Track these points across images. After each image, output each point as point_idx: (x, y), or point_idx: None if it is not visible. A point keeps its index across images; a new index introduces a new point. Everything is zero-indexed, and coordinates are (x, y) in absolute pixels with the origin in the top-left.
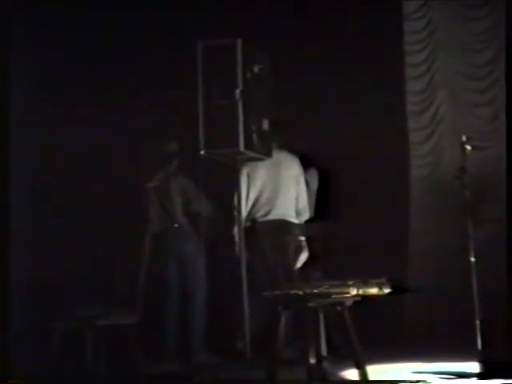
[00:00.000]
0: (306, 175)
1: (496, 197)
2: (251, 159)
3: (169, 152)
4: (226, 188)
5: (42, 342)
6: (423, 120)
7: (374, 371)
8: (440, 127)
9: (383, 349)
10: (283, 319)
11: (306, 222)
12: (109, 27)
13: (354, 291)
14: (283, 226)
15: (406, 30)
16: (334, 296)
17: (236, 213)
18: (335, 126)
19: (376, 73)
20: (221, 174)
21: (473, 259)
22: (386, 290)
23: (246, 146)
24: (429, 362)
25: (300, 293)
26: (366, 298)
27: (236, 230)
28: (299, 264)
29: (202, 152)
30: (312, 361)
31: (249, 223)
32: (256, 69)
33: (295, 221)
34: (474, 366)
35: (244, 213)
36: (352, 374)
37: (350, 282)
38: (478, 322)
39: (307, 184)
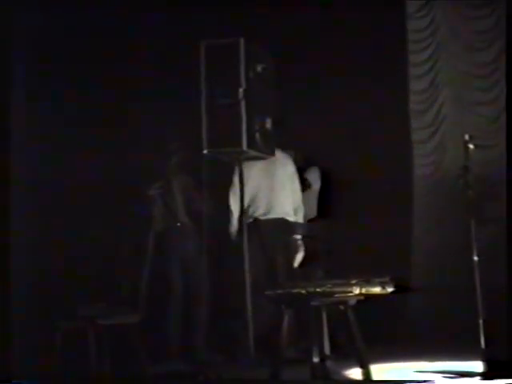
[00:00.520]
0: (309, 174)
1: (499, 196)
2: (254, 158)
3: (170, 150)
4: (225, 187)
5: (43, 342)
6: (426, 119)
7: (378, 370)
8: (443, 126)
9: (386, 348)
10: (286, 318)
11: (309, 220)
12: (110, 26)
13: (357, 290)
14: (280, 224)
15: (409, 28)
16: (337, 295)
17: (231, 211)
18: (337, 124)
19: (379, 72)
20: (221, 172)
21: (476, 258)
22: (389, 289)
23: (249, 145)
24: (432, 361)
25: (303, 292)
26: (369, 297)
27: (231, 228)
28: (296, 263)
29: (205, 151)
30: (315, 360)
31: (244, 222)
32: (259, 68)
33: (291, 219)
34: (477, 366)
35: (238, 212)
36: (355, 373)
37: (353, 281)
38: (481, 321)
39: (309, 184)
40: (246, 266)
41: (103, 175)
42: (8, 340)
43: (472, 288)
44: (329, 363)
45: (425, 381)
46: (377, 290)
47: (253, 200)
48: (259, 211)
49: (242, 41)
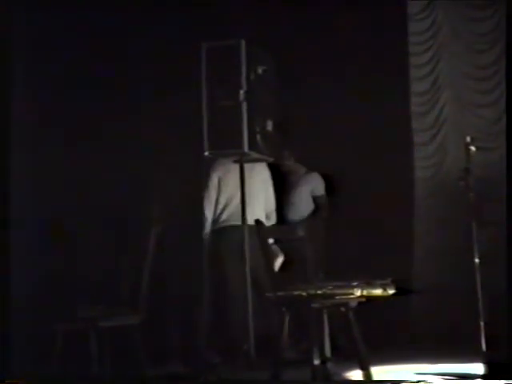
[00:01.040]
0: (311, 182)
1: (500, 198)
2: (255, 160)
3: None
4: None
5: (43, 343)
6: (427, 121)
7: (378, 372)
8: (444, 128)
9: (387, 350)
10: (287, 320)
11: (309, 223)
12: (110, 27)
13: (358, 292)
14: (256, 230)
15: (411, 30)
16: (338, 297)
17: (205, 217)
18: (337, 125)
19: (380, 73)
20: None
21: (477, 260)
22: (391, 291)
23: (250, 147)
24: (433, 363)
25: (304, 294)
26: (371, 298)
27: (204, 233)
28: (276, 268)
29: (206, 153)
30: (316, 362)
31: (217, 227)
32: (260, 70)
33: (267, 224)
34: (478, 368)
35: (211, 217)
36: (356, 374)
37: (355, 283)
38: (482, 323)
39: (313, 191)
40: (248, 268)
41: (103, 175)
42: (8, 340)
43: (473, 290)
44: (330, 365)
45: (425, 382)
46: (378, 292)
47: (226, 207)
48: (232, 218)
49: (243, 42)
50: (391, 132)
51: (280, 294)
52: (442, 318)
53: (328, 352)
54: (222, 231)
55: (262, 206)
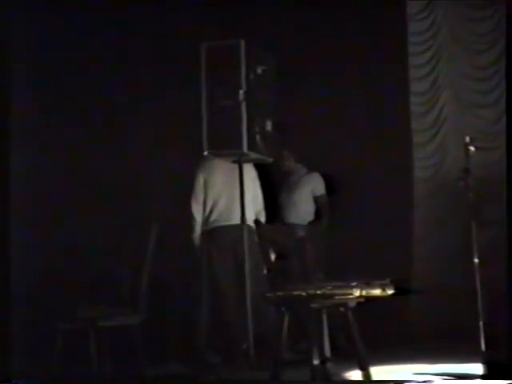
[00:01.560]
0: (312, 182)
1: (500, 198)
2: (254, 160)
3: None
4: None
5: (43, 343)
6: (427, 121)
7: (378, 372)
8: (444, 128)
9: (387, 350)
10: (286, 320)
11: (310, 223)
12: (110, 27)
13: (357, 292)
14: (249, 229)
15: (410, 30)
16: (337, 297)
17: (194, 218)
18: (337, 126)
19: (379, 74)
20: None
21: (476, 260)
22: (390, 291)
23: (250, 147)
24: (432, 364)
25: (303, 294)
26: (370, 299)
27: (194, 235)
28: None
29: (206, 153)
30: (315, 362)
31: (207, 228)
32: (259, 70)
33: (251, 224)
34: (477, 368)
35: (200, 218)
36: (356, 374)
37: (354, 283)
38: (481, 323)
39: (314, 191)
40: (247, 268)
41: (103, 175)
42: (8, 340)
43: (472, 290)
44: (329, 365)
45: (425, 382)
46: (377, 292)
47: (214, 207)
48: (220, 218)
49: (242, 42)
50: (391, 132)
51: (279, 293)
52: (442, 318)
53: (327, 352)
54: (212, 232)
55: (250, 204)
